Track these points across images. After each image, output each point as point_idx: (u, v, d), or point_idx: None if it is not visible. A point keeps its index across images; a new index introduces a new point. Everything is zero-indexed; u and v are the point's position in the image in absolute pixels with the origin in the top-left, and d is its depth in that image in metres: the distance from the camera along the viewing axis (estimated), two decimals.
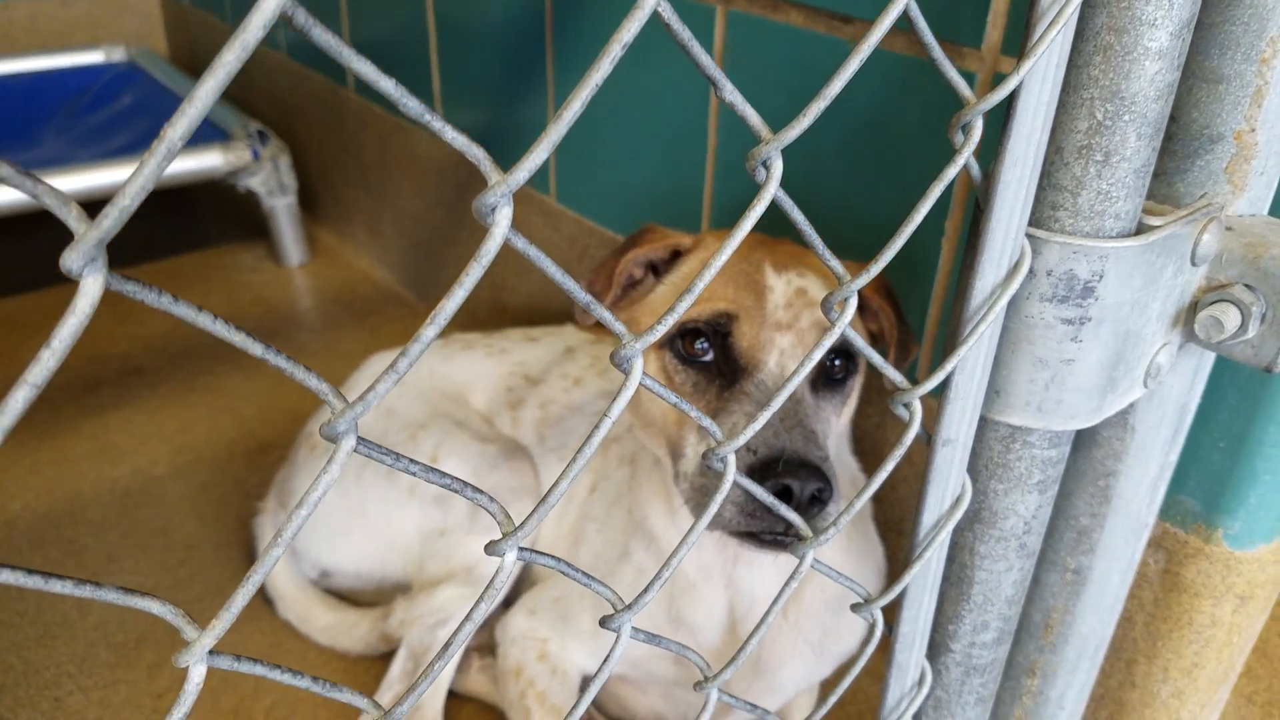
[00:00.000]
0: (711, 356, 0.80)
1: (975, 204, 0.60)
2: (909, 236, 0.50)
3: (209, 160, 1.90)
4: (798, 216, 0.44)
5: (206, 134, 2.00)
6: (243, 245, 2.17)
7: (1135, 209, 0.55)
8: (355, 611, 1.15)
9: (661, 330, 0.41)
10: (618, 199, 1.40)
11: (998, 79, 0.89)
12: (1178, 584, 0.87)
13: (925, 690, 0.70)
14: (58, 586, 0.30)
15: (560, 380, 1.22)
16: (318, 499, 0.33)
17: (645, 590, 0.47)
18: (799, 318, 0.79)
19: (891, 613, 0.66)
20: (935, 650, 0.70)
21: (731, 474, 0.49)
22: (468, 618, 0.39)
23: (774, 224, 1.07)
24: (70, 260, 0.25)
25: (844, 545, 0.94)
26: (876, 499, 1.12)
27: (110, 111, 2.37)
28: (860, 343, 0.51)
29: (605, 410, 0.40)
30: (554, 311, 1.61)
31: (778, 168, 0.41)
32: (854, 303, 0.48)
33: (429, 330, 0.33)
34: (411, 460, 0.37)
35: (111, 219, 0.25)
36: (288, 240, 2.08)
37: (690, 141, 1.23)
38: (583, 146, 1.44)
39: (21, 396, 0.26)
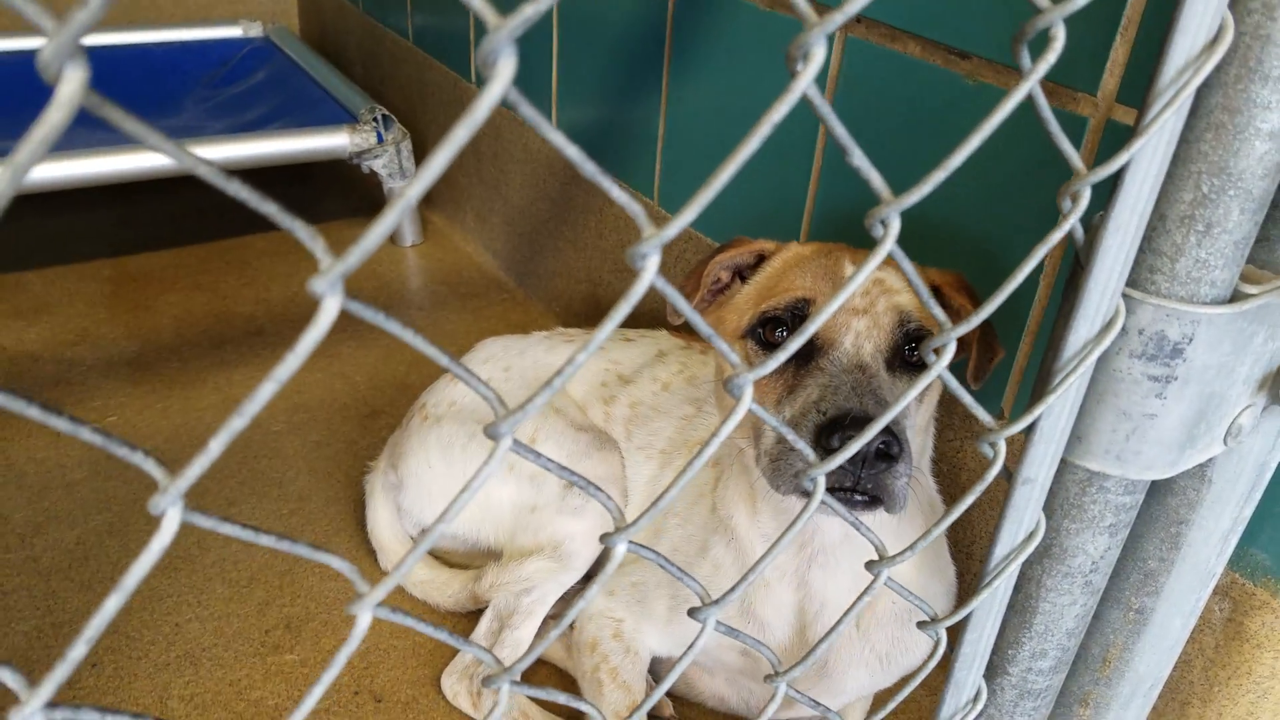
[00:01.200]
0: None
1: (1074, 254, 0.63)
2: (1005, 280, 0.54)
3: (336, 141, 2.01)
4: (907, 267, 0.49)
5: (336, 115, 2.11)
6: (360, 222, 2.30)
7: (1232, 278, 0.57)
8: (449, 571, 1.24)
9: (774, 364, 0.46)
10: (719, 207, 1.45)
11: (1110, 126, 0.91)
12: (1240, 633, 0.88)
13: (979, 708, 0.74)
14: (266, 540, 0.37)
15: (650, 383, 1.28)
16: (479, 486, 0.39)
17: (732, 589, 0.52)
18: (875, 303, 0.83)
19: (955, 632, 0.70)
20: (992, 671, 0.74)
21: (820, 495, 0.54)
22: (573, 599, 0.45)
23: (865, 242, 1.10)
24: (318, 285, 0.32)
25: (917, 562, 0.98)
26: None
27: (245, 85, 2.51)
28: (954, 384, 0.55)
29: (715, 430, 0.46)
30: (643, 311, 1.67)
31: (895, 226, 0.45)
32: (952, 348, 0.52)
33: (581, 355, 0.39)
34: (555, 463, 0.43)
35: (355, 257, 0.31)
36: (404, 221, 2.19)
37: (795, 158, 1.26)
38: (687, 153, 1.49)
39: (268, 390, 0.33)
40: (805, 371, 0.82)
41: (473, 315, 1.95)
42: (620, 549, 0.46)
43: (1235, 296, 0.59)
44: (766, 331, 0.86)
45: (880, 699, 1.13)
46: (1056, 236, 0.51)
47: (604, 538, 0.46)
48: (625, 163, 1.64)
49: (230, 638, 1.18)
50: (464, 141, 0.32)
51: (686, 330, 1.45)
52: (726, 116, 1.39)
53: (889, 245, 0.46)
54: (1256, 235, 0.60)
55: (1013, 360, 1.04)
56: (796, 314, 0.84)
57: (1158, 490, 0.73)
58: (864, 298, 0.84)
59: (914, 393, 0.52)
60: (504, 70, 0.32)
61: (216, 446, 0.34)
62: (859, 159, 0.43)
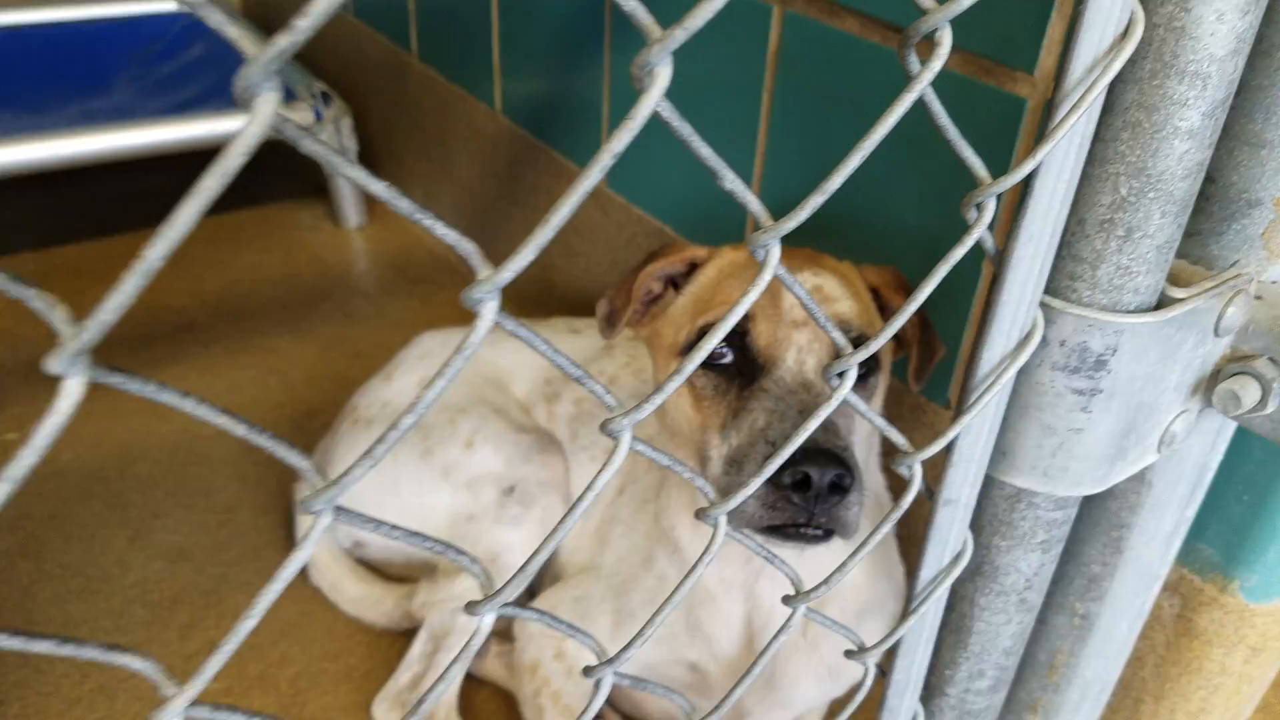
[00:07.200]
0: (730, 358, 0.80)
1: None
2: (919, 286, 0.50)
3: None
4: (799, 293, 0.44)
5: None
6: (302, 204, 2.21)
7: (1156, 283, 0.54)
8: (382, 586, 1.19)
9: (650, 409, 0.42)
10: (667, 190, 1.40)
11: (1049, 107, 0.86)
12: (1190, 630, 0.86)
13: None
14: (39, 647, 0.32)
15: (596, 377, 1.23)
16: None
17: (628, 645, 0.48)
18: None
19: (889, 656, 0.67)
20: (930, 692, 0.71)
21: (723, 533, 0.50)
22: (442, 677, 0.41)
23: (805, 236, 1.06)
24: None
25: (864, 563, 0.95)
26: None
27: (180, 61, 2.40)
28: (864, 408, 0.51)
29: (590, 484, 0.42)
30: (598, 294, 1.62)
31: (775, 252, 0.41)
32: (853, 375, 0.48)
33: (408, 418, 0.34)
34: (392, 526, 0.39)
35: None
36: (346, 202, 2.12)
37: (740, 139, 1.21)
38: (637, 134, 1.43)
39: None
40: (749, 394, 0.78)
41: (421, 300, 1.89)
42: (489, 620, 0.42)
43: (1162, 302, 0.55)
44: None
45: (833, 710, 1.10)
46: (960, 251, 0.47)
47: (469, 607, 0.42)
48: (571, 140, 1.58)
49: None
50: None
51: (635, 328, 1.40)
52: (673, 89, 1.33)
53: (769, 274, 0.41)
54: (1186, 230, 0.56)
55: (956, 351, 1.01)
56: (736, 330, 0.79)
57: (1097, 494, 0.70)
58: (804, 309, 0.80)
59: (813, 424, 0.48)
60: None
61: None
62: (730, 182, 0.39)
